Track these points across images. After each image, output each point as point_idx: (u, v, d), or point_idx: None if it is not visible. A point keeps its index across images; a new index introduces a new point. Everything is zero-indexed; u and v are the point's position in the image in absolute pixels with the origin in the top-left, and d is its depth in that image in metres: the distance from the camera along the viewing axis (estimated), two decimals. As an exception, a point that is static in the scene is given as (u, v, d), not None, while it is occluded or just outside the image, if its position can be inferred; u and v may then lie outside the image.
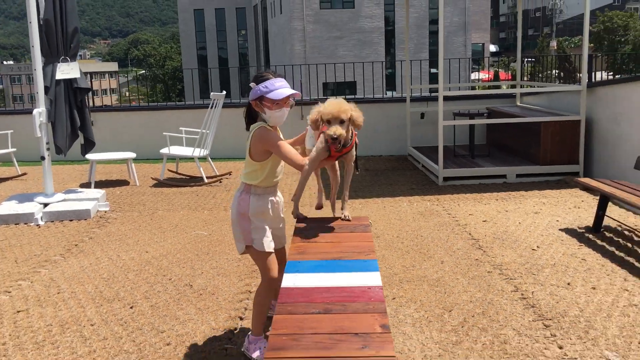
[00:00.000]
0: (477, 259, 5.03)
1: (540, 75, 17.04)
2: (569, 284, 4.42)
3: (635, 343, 3.48)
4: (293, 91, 3.14)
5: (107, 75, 69.89)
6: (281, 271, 3.20)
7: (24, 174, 9.53)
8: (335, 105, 3.03)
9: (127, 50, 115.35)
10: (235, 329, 3.85)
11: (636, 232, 5.62)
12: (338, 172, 3.57)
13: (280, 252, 3.52)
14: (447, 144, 9.09)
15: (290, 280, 2.48)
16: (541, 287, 4.36)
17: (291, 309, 2.18)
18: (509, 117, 9.02)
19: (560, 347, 3.47)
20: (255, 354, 3.33)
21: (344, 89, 23.88)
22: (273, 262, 3.32)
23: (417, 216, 6.50)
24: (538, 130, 8.13)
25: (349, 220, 3.34)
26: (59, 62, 6.91)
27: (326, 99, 3.19)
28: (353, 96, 12.84)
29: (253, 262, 3.49)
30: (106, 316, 4.08)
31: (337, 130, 2.97)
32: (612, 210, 6.39)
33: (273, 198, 3.38)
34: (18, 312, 4.19)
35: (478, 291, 4.34)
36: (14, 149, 9.43)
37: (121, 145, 10.21)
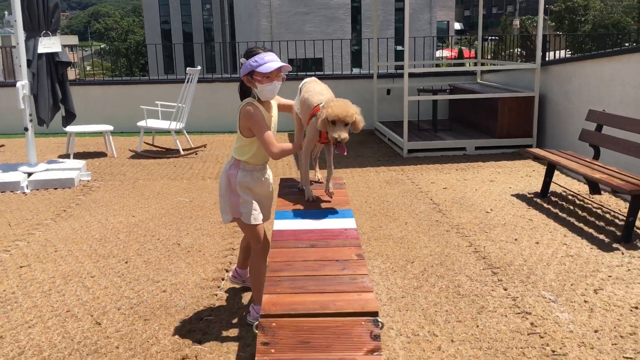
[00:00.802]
0: (437, 220, 5.60)
1: (502, 53, 17.70)
2: (516, 239, 5.02)
3: (568, 285, 4.08)
4: (282, 64, 3.19)
5: (66, 48, 68.39)
6: (265, 245, 3.44)
7: (2, 145, 9.74)
8: (343, 108, 3.05)
9: (87, 23, 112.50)
10: (223, 278, 4.32)
11: (578, 197, 6.28)
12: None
13: (262, 226, 3.52)
14: (411, 118, 9.63)
15: (280, 224, 2.97)
16: (492, 243, 4.95)
17: (283, 244, 2.67)
18: (469, 94, 9.60)
19: (505, 289, 4.06)
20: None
21: (311, 65, 24.21)
22: (262, 231, 3.43)
23: (383, 184, 7.04)
24: (495, 106, 8.73)
25: (331, 193, 3.47)
26: (40, 37, 7.16)
27: (312, 75, 3.55)
28: (322, 73, 13.27)
29: (235, 224, 3.88)
30: (104, 270, 4.50)
31: (342, 134, 3.01)
32: (559, 178, 7.05)
33: (261, 175, 3.43)
34: (21, 267, 4.58)
35: (437, 246, 4.90)
36: (-9, 121, 9.60)
37: (95, 118, 10.44)
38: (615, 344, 3.31)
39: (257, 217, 3.39)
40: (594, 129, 6.20)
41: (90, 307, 3.87)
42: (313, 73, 11.91)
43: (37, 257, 4.78)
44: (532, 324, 3.56)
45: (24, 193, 6.85)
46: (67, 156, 8.58)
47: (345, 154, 3.19)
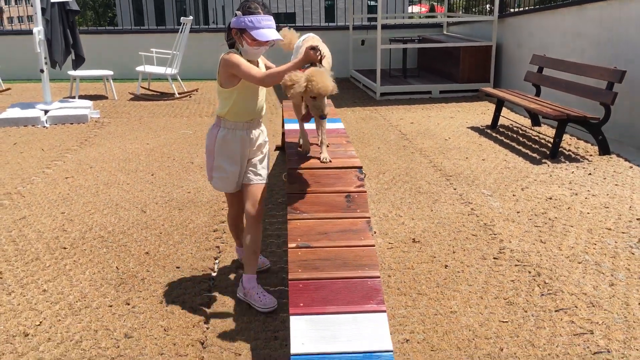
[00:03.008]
0: (404, 146, 6.76)
1: (474, 9, 18.76)
2: (466, 158, 6.22)
3: (502, 186, 5.31)
4: (278, 36, 3.04)
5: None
6: (259, 210, 3.21)
7: (8, 88, 10.55)
8: (327, 82, 2.89)
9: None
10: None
11: (521, 128, 7.51)
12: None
13: (255, 189, 3.25)
14: (384, 67, 10.72)
15: (288, 126, 4.08)
16: (447, 160, 6.14)
17: (292, 138, 3.77)
18: (436, 43, 10.69)
19: (455, 189, 5.26)
20: (260, 302, 3.24)
21: (283, 19, 24.88)
22: (231, 200, 3.44)
23: (359, 120, 8.16)
24: (458, 54, 9.85)
25: (329, 161, 3.29)
26: (53, -13, 7.98)
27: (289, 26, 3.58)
28: (300, 24, 14.17)
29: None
30: (135, 179, 5.58)
31: (328, 110, 2.98)
32: (508, 114, 8.27)
33: (246, 135, 3.21)
34: (66, 178, 5.63)
35: (403, 163, 6.08)
36: (-2, 66, 10.39)
37: (92, 65, 11.24)
38: (530, 219, 4.55)
39: (222, 185, 3.29)
40: (536, 70, 7.39)
41: (133, 202, 4.97)
42: (287, 25, 12.80)
43: (77, 172, 5.82)
44: (472, 209, 4.78)
45: (44, 127, 7.80)
46: (72, 98, 9.47)
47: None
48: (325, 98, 2.95)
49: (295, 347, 2.33)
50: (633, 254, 3.93)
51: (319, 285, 2.53)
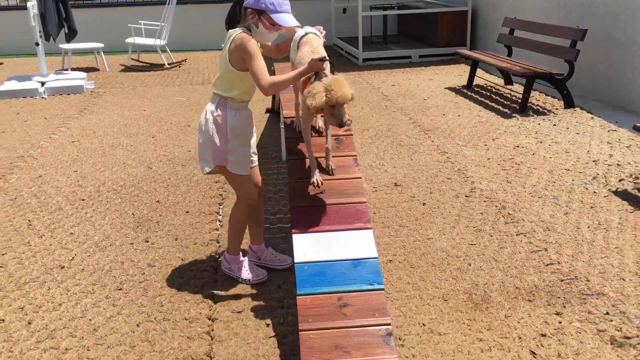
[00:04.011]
0: (386, 106, 7.25)
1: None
2: (443, 114, 6.73)
3: (475, 137, 5.82)
4: (296, 23, 2.97)
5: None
6: (260, 192, 3.30)
7: (1, 63, 10.82)
8: (344, 91, 2.79)
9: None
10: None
11: (495, 87, 8.02)
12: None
13: (254, 172, 3.29)
14: (365, 34, 11.12)
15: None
16: (426, 117, 6.64)
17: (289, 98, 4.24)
18: (414, 10, 11.10)
19: (432, 141, 5.77)
20: (245, 275, 3.30)
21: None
22: (249, 182, 3.19)
23: (343, 84, 8.61)
24: (436, 20, 10.29)
25: (333, 169, 3.23)
26: (44, -38, 8.25)
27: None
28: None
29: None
30: (137, 142, 6.02)
31: (344, 117, 2.84)
32: (483, 74, 8.77)
33: (249, 114, 3.13)
34: (72, 142, 6.05)
35: (385, 120, 6.57)
36: (-10, 42, 10.64)
37: (80, 39, 11.53)
38: (499, 164, 5.08)
39: (245, 167, 3.13)
40: (508, 32, 7.87)
41: (139, 160, 5.42)
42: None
43: (81, 137, 6.24)
44: (447, 157, 5.30)
45: (42, 97, 8.16)
46: (65, 70, 9.78)
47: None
48: (343, 106, 2.83)
49: (298, 257, 2.84)
50: (587, 188, 4.49)
51: (316, 211, 3.04)
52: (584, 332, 2.82)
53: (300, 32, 3.23)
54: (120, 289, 3.29)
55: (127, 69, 10.26)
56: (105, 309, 3.11)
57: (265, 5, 2.86)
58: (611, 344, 2.73)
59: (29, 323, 2.99)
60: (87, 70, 10.23)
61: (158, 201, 4.49)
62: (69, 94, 8.35)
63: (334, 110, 2.81)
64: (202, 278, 3.40)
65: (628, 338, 2.76)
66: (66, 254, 3.70)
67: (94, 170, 5.19)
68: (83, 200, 4.54)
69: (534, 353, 2.69)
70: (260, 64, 2.87)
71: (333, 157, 3.31)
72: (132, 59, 10.77)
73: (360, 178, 3.24)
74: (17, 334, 2.90)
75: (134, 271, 3.48)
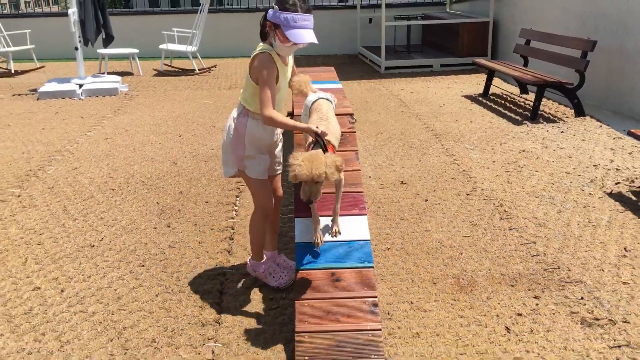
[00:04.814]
0: (402, 111, 7.56)
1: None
2: (456, 120, 7.01)
3: (484, 142, 6.09)
4: (313, 40, 2.91)
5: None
6: (277, 200, 3.38)
7: (42, 66, 11.47)
8: (314, 171, 2.74)
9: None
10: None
11: (510, 95, 8.25)
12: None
13: (277, 178, 3.40)
14: (389, 43, 11.46)
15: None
16: (440, 123, 6.93)
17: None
18: (437, 20, 11.40)
19: (442, 145, 6.06)
20: (272, 283, 3.39)
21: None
22: (266, 189, 3.22)
23: (364, 91, 8.95)
24: (458, 30, 10.56)
25: (339, 233, 3.16)
26: (85, -28, 8.81)
27: None
28: (311, 4, 14.88)
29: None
30: (165, 140, 6.44)
31: (312, 195, 2.82)
32: (501, 84, 9.01)
33: (273, 127, 3.16)
34: (106, 139, 6.51)
35: (400, 125, 6.88)
36: (33, 46, 11.29)
37: (115, 45, 12.12)
38: (503, 166, 5.34)
39: (262, 172, 3.16)
40: (524, 43, 8.11)
41: (165, 156, 5.83)
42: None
43: (114, 134, 6.70)
44: (454, 159, 5.58)
45: (80, 99, 8.69)
46: (102, 74, 10.34)
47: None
48: (316, 184, 2.80)
49: (299, 238, 3.18)
50: (583, 190, 4.73)
51: (317, 198, 3.37)
52: (558, 313, 3.09)
53: (311, 97, 3.35)
54: (142, 266, 3.67)
55: (160, 73, 10.77)
56: (129, 281, 3.49)
57: (279, 20, 2.87)
58: (581, 324, 2.99)
59: (62, 291, 3.39)
60: (122, 74, 10.78)
61: (181, 192, 4.88)
62: (104, 96, 8.87)
63: (303, 185, 2.83)
64: (216, 259, 3.76)
65: (597, 319, 3.03)
66: (96, 235, 4.10)
67: (125, 164, 5.62)
68: (113, 190, 4.96)
69: (508, 329, 2.97)
70: (267, 92, 2.92)
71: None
72: (165, 64, 11.28)
73: (359, 170, 3.57)
74: (51, 299, 3.30)
75: (156, 251, 3.86)
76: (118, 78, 9.54)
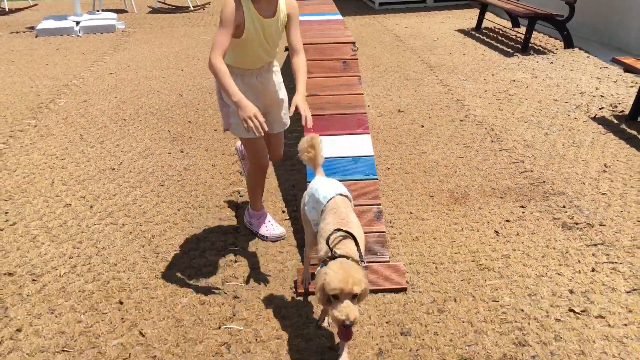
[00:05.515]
0: (397, 45, 7.75)
1: None
2: (450, 54, 7.23)
3: (476, 73, 6.34)
4: None
5: None
6: (281, 154, 3.24)
7: (36, 4, 11.43)
8: (344, 274, 2.04)
9: None
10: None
11: (502, 29, 8.44)
12: None
13: (275, 137, 3.18)
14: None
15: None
16: (434, 56, 7.15)
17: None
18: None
19: (436, 76, 6.31)
20: (262, 232, 3.32)
21: None
22: (258, 147, 3.03)
23: (359, 27, 9.09)
24: (451, -36, 10.59)
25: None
26: None
27: None
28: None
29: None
30: (168, 74, 6.63)
31: (351, 313, 2.01)
32: (494, 18, 9.17)
33: (256, 81, 2.91)
34: (110, 73, 6.69)
35: (395, 58, 7.09)
36: (25, -17, 11.22)
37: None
38: (494, 95, 5.62)
39: (243, 131, 2.84)
40: (517, -24, 8.24)
41: (170, 89, 6.05)
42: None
43: (117, 69, 6.87)
44: (448, 89, 5.85)
45: (78, 36, 8.77)
46: (96, 11, 10.34)
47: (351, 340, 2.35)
48: (353, 298, 2.05)
49: (309, 155, 3.48)
50: (569, 115, 5.04)
51: (324, 119, 3.66)
52: (542, 219, 3.45)
53: (323, 190, 2.53)
54: (162, 185, 3.98)
55: (154, 11, 10.79)
56: (151, 199, 3.80)
57: None
58: (562, 228, 3.36)
59: (91, 207, 3.70)
60: (116, 12, 10.78)
61: (190, 121, 5.14)
62: (102, 33, 8.95)
63: (335, 302, 2.06)
64: (229, 179, 4.07)
65: (577, 224, 3.39)
66: (115, 160, 4.39)
67: (132, 96, 5.84)
68: (125, 120, 5.21)
69: (497, 232, 3.33)
70: (218, 35, 2.65)
71: (341, 77, 3.90)
72: (159, 1, 11.27)
73: (362, 94, 3.84)
74: (82, 214, 3.61)
75: (173, 173, 4.16)
76: (114, 15, 9.59)
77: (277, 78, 3.06)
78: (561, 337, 2.53)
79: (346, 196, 2.53)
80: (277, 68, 3.08)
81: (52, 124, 5.11)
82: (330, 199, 2.47)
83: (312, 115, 3.67)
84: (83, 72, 6.74)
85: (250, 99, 2.73)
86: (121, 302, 2.80)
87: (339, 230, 2.25)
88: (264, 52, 2.85)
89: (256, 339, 2.55)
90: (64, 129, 5.00)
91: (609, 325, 2.59)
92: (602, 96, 5.44)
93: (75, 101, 5.72)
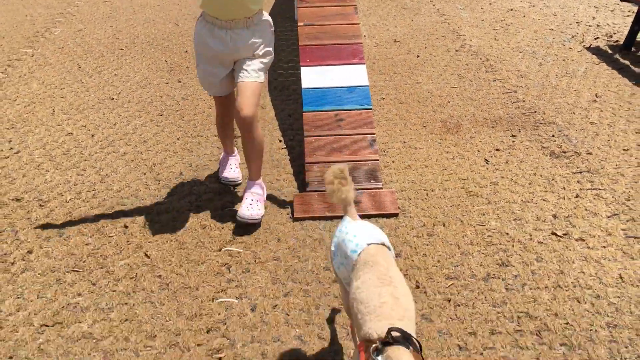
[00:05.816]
0: None
1: None
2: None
3: (473, 3, 6.28)
4: None
5: None
6: (255, 111, 2.68)
7: None
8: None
9: None
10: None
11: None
12: None
13: (247, 85, 2.69)
14: None
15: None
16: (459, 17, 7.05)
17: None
18: None
19: (434, 5, 6.25)
20: (220, 173, 3.30)
21: None
22: (219, 104, 2.98)
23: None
24: None
25: None
26: None
27: None
28: None
29: None
30: (163, 3, 6.54)
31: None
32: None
33: (225, 35, 2.65)
34: (105, 1, 6.61)
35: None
36: None
37: None
38: (490, 25, 5.61)
39: (207, 85, 2.84)
40: None
41: (166, 18, 6.00)
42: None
43: (91, 21, 6.79)
44: (445, 19, 5.82)
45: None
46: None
47: None
48: None
49: (305, 84, 3.55)
50: (564, 45, 5.06)
51: (320, 49, 3.70)
52: (531, 148, 3.56)
53: (352, 240, 1.84)
54: (161, 115, 4.06)
55: None
56: (151, 128, 3.89)
57: None
58: (549, 156, 3.47)
59: (92, 136, 3.79)
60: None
61: (186, 51, 5.15)
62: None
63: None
64: (227, 108, 4.14)
65: (564, 152, 3.50)
66: (113, 90, 4.44)
67: (128, 26, 5.81)
68: (121, 49, 5.21)
69: (487, 161, 3.45)
70: None
71: (337, 6, 3.91)
72: None
73: (358, 24, 3.86)
74: (84, 142, 3.71)
75: (171, 102, 4.23)
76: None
77: (258, 37, 2.69)
78: (542, 258, 2.69)
79: (383, 244, 1.82)
80: (261, 27, 2.71)
81: (49, 54, 5.12)
82: (364, 249, 1.79)
83: (308, 45, 3.72)
84: (77, 0, 6.65)
85: (216, 51, 2.68)
86: (126, 226, 2.94)
87: (394, 330, 1.47)
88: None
89: (255, 260, 2.71)
90: (61, 59, 5.01)
91: (589, 247, 2.75)
92: (598, 25, 5.44)
93: (71, 30, 5.69)
